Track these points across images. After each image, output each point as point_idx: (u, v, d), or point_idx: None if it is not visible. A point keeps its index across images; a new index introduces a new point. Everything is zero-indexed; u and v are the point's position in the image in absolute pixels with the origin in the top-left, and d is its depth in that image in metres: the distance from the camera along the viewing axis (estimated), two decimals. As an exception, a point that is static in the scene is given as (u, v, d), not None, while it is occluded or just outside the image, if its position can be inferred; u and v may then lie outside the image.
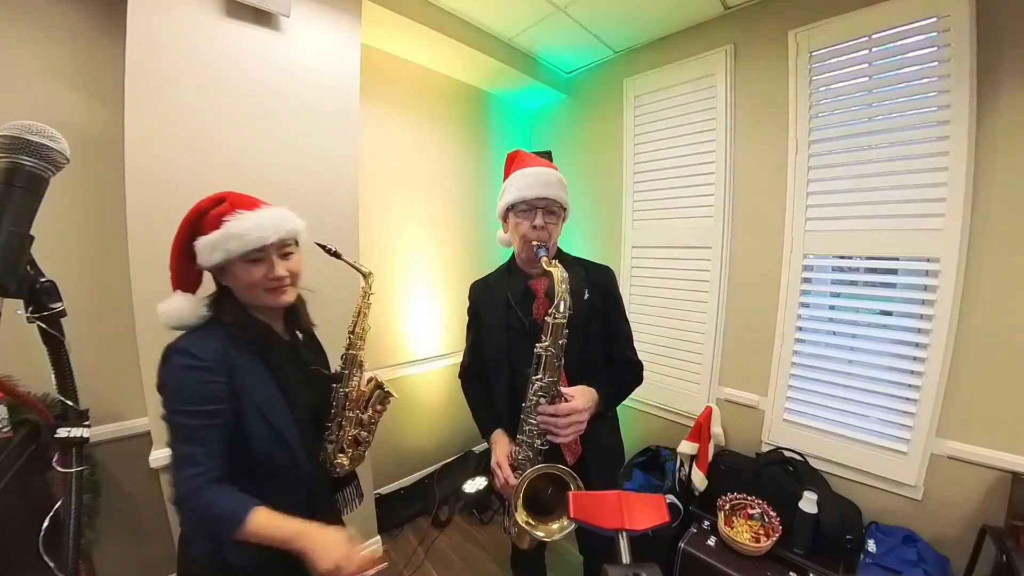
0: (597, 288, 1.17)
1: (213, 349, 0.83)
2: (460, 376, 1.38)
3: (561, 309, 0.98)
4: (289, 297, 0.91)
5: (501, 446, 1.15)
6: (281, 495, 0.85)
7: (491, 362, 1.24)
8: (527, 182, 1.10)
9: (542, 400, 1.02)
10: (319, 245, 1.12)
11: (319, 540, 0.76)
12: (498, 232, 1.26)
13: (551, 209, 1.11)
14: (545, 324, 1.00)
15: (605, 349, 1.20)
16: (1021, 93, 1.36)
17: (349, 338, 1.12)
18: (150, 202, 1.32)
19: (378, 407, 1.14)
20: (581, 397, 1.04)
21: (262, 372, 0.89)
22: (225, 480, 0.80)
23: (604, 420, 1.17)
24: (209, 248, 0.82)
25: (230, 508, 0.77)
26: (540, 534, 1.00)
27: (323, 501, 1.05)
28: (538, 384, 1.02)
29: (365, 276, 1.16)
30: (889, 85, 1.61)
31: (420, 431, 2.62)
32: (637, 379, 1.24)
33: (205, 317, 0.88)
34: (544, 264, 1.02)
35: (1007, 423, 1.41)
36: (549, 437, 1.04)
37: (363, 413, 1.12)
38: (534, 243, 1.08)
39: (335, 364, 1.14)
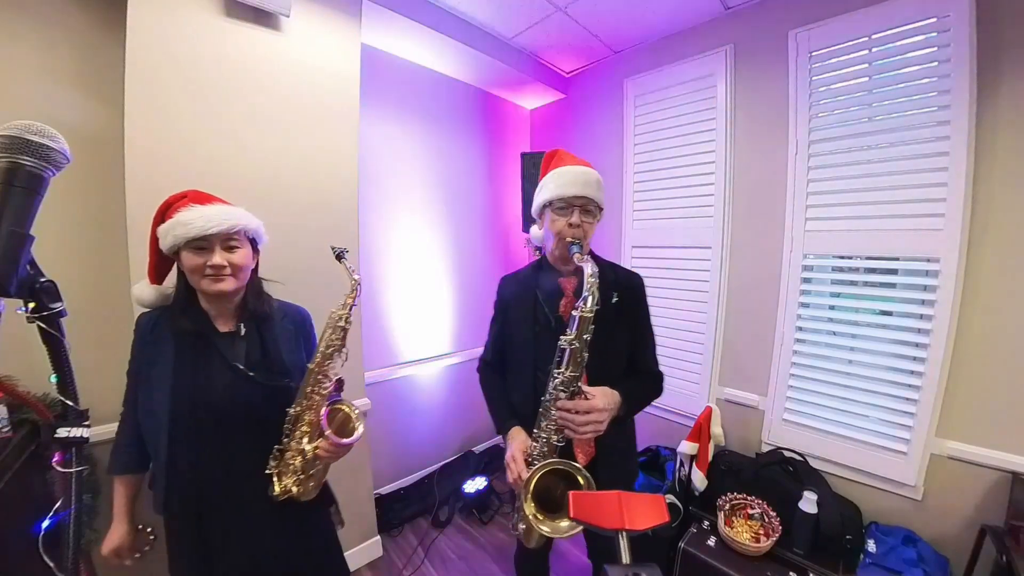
0: (626, 293, 1.16)
1: (144, 321, 1.01)
2: (479, 369, 1.37)
3: (588, 303, 0.97)
4: (226, 286, 0.96)
5: (517, 441, 1.13)
6: (154, 463, 0.98)
7: (514, 357, 1.24)
8: (565, 180, 1.10)
9: (562, 395, 1.01)
10: (332, 248, 1.12)
11: (112, 529, 1.00)
12: (532, 228, 1.26)
13: (587, 208, 1.11)
14: (571, 317, 1.00)
15: (626, 357, 1.19)
16: (1021, 93, 1.36)
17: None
18: (150, 202, 1.30)
19: (322, 444, 0.99)
20: (602, 397, 1.03)
21: (168, 353, 0.97)
22: (138, 430, 0.99)
23: (621, 427, 1.15)
24: (163, 233, 0.94)
25: (115, 455, 1.01)
26: (546, 529, 0.98)
27: (202, 496, 0.97)
28: (560, 379, 1.01)
29: (353, 284, 1.09)
30: (889, 85, 1.61)
31: (420, 431, 2.62)
32: (658, 390, 1.23)
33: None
34: (576, 260, 1.03)
35: (1007, 423, 1.41)
36: (567, 433, 1.02)
37: (309, 444, 1.00)
38: (568, 240, 1.08)
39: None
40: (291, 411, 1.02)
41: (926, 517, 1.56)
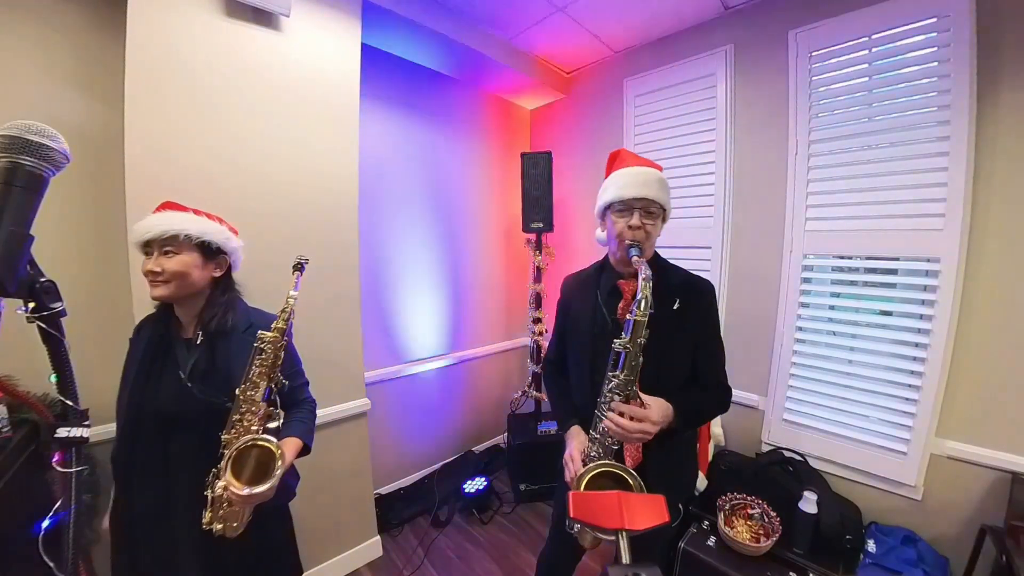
0: (690, 300, 1.12)
1: (136, 327, 1.08)
2: (542, 368, 1.39)
3: (642, 307, 0.96)
4: (158, 292, 0.98)
5: (576, 441, 1.13)
6: None
7: (574, 357, 1.24)
8: (626, 181, 1.09)
9: (616, 398, 1.00)
10: (298, 257, 1.08)
11: None
12: (596, 231, 1.26)
13: (649, 209, 1.09)
14: (626, 321, 0.99)
15: (688, 366, 1.15)
16: (1021, 93, 1.36)
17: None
18: (150, 202, 1.30)
19: (228, 488, 0.87)
20: (657, 409, 1.00)
21: (136, 354, 1.02)
22: None
23: (679, 440, 1.13)
24: None
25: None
26: (588, 528, 0.95)
27: (132, 501, 0.98)
28: (615, 382, 1.00)
29: (287, 303, 1.01)
30: (889, 85, 1.61)
31: (420, 431, 2.62)
32: (721, 405, 1.17)
33: None
34: (634, 263, 1.02)
35: (1007, 423, 1.41)
36: (612, 434, 1.00)
37: (220, 482, 0.89)
38: (628, 242, 1.07)
39: None
40: (223, 437, 0.95)
41: (926, 517, 1.56)
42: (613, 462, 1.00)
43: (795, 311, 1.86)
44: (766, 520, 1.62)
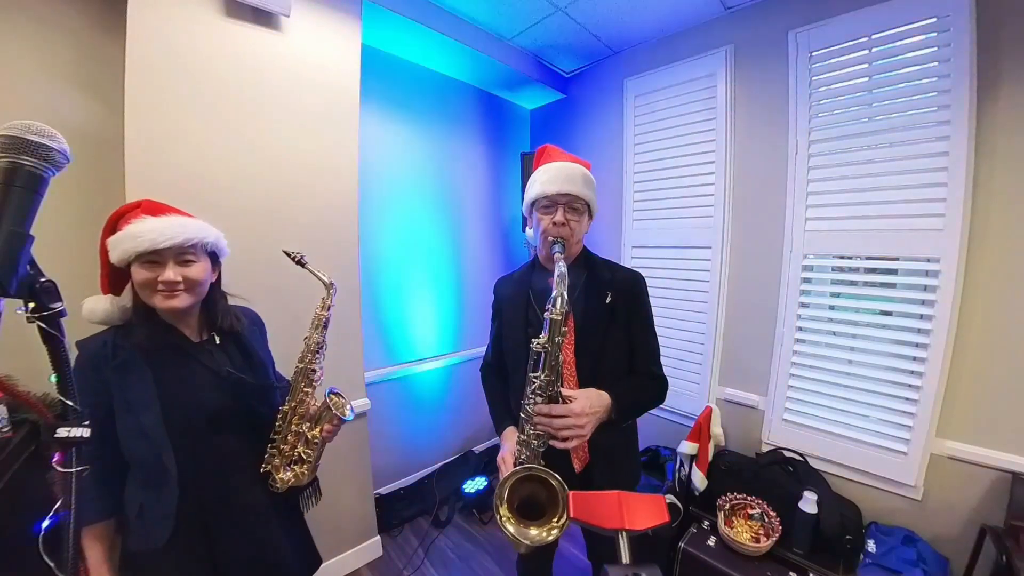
0: (621, 293, 1.12)
1: (94, 347, 0.90)
2: (481, 370, 1.37)
3: (557, 305, 0.94)
4: (179, 303, 0.91)
5: (510, 443, 1.10)
6: (147, 490, 0.91)
7: (510, 358, 1.22)
8: (550, 177, 1.07)
9: (539, 400, 0.98)
10: (285, 253, 1.09)
11: None
12: (527, 228, 1.24)
13: (573, 205, 1.08)
14: (544, 320, 0.98)
15: (625, 360, 1.15)
16: (1021, 93, 1.36)
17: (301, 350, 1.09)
18: (150, 202, 1.32)
19: (326, 427, 1.07)
20: (584, 400, 0.98)
21: (143, 371, 0.91)
22: (110, 466, 0.90)
23: (619, 431, 1.11)
24: (112, 246, 0.88)
25: (85, 508, 0.83)
26: (511, 529, 0.92)
27: (204, 506, 0.96)
28: (536, 383, 0.98)
29: (327, 286, 1.09)
30: (889, 85, 1.61)
31: (420, 431, 2.62)
32: (657, 395, 1.16)
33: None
34: (555, 259, 1.00)
35: (1007, 423, 1.41)
36: (550, 442, 0.99)
37: (310, 431, 1.06)
38: (552, 239, 1.06)
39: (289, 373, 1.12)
40: (284, 408, 1.06)
41: (926, 517, 1.56)
42: (533, 465, 0.97)
43: (795, 311, 1.86)
44: (766, 520, 1.62)
